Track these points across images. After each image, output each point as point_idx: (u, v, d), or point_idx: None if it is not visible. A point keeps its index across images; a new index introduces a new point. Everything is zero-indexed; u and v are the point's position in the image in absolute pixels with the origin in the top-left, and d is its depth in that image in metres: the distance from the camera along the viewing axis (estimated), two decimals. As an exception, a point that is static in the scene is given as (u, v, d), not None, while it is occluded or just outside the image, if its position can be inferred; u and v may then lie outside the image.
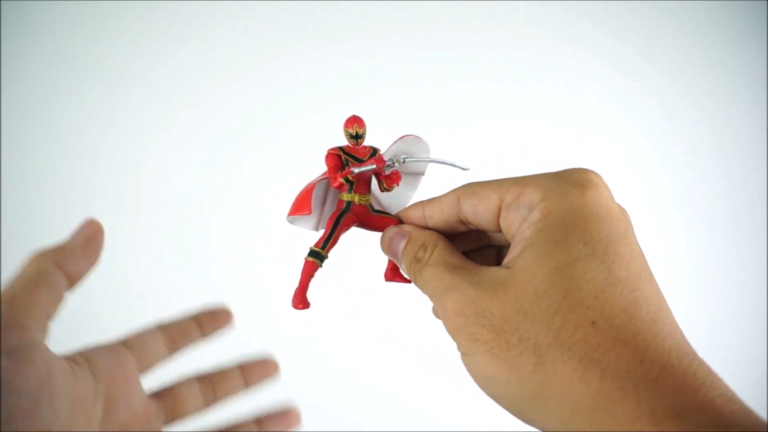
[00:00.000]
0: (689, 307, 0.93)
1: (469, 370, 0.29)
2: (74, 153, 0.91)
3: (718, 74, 0.96)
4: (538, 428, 0.27)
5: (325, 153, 0.36)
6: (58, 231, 0.87)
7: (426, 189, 0.41)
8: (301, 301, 0.34)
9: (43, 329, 0.30)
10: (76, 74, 0.91)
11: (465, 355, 0.29)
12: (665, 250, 0.93)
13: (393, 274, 0.38)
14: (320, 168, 0.37)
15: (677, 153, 0.96)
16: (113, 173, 0.91)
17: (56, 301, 0.32)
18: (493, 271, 0.29)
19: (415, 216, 0.35)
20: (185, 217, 0.92)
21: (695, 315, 0.93)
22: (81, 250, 0.35)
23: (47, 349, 0.30)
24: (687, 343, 0.26)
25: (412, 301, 0.41)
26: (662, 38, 0.95)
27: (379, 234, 0.37)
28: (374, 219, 0.37)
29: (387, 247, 0.35)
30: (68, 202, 0.90)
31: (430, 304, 0.37)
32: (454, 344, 0.30)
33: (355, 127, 0.35)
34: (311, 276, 0.35)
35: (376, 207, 0.39)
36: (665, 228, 0.94)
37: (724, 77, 0.96)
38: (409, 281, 0.38)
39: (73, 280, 0.34)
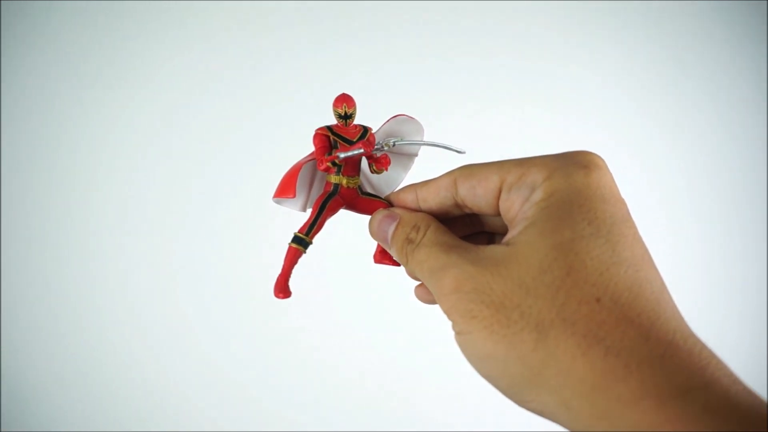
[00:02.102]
0: (689, 300, 0.92)
1: (464, 349, 0.28)
2: (75, 153, 0.89)
3: (720, 72, 0.95)
4: (533, 410, 0.26)
5: (313, 133, 0.35)
6: (59, 231, 0.87)
7: (418, 171, 0.39)
8: (282, 290, 0.33)
9: None
10: (78, 76, 0.89)
11: (460, 334, 0.27)
12: (667, 245, 0.92)
13: (382, 256, 0.37)
14: (308, 147, 0.36)
15: (676, 147, 0.95)
16: (111, 166, 0.90)
17: None
18: (492, 249, 0.28)
19: (408, 199, 0.34)
20: (172, 205, 0.90)
21: (698, 311, 0.93)
22: None
23: None
24: (689, 327, 0.25)
25: (401, 284, 0.40)
26: (665, 34, 0.94)
27: (368, 216, 0.35)
28: (363, 202, 0.35)
29: (376, 231, 0.34)
30: (69, 203, 0.89)
31: (414, 286, 0.37)
32: (448, 325, 0.29)
33: (344, 106, 0.34)
34: (294, 263, 0.34)
35: (367, 188, 0.37)
36: (665, 222, 0.92)
37: (725, 75, 0.95)
38: (398, 264, 0.37)
39: None
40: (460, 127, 0.87)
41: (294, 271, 0.34)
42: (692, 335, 0.24)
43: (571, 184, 0.27)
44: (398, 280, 0.39)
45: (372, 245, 0.38)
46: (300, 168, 0.34)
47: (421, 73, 0.90)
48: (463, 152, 0.36)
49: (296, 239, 0.34)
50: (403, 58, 0.89)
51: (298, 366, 0.90)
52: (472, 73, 0.91)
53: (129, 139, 0.89)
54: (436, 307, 0.39)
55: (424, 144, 0.36)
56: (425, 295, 0.36)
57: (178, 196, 0.90)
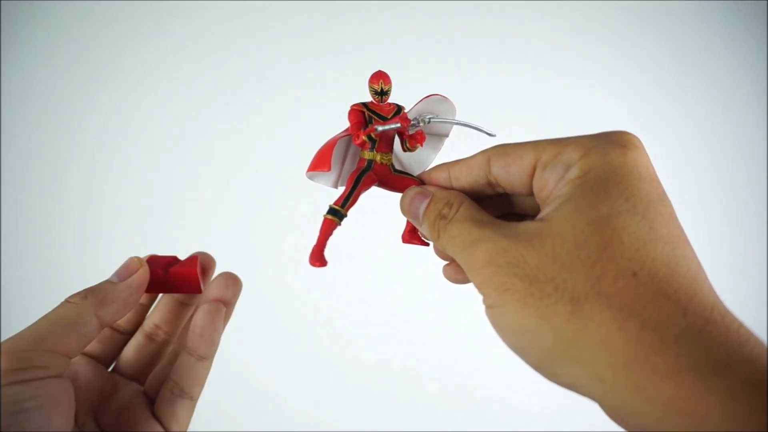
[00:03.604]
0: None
1: (495, 323, 0.28)
2: (78, 153, 0.90)
3: (721, 73, 0.95)
4: (564, 384, 0.26)
5: (348, 108, 0.35)
6: (59, 231, 0.87)
7: (445, 154, 0.40)
8: (318, 258, 0.34)
9: (64, 366, 0.31)
10: (82, 76, 0.90)
11: (492, 308, 0.28)
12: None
13: (411, 236, 0.37)
14: (342, 124, 0.36)
15: (679, 150, 0.95)
16: (122, 163, 0.91)
17: (83, 343, 0.33)
18: (526, 225, 0.28)
19: (440, 177, 0.34)
20: (201, 180, 0.91)
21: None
22: (123, 302, 0.35)
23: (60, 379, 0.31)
24: (725, 305, 0.25)
25: (428, 262, 0.40)
26: (669, 37, 0.95)
27: (399, 195, 0.36)
28: (395, 179, 0.36)
29: (407, 207, 0.34)
30: (70, 204, 0.90)
31: (442, 264, 0.37)
32: (479, 299, 0.29)
33: (380, 83, 0.34)
34: (329, 234, 0.34)
35: (398, 167, 0.38)
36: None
37: (727, 76, 0.95)
38: (426, 244, 0.37)
39: (104, 325, 0.34)
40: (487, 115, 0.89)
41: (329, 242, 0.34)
42: (729, 313, 0.24)
43: (608, 162, 0.27)
44: (426, 260, 0.40)
45: (400, 224, 0.38)
46: (335, 143, 0.34)
47: (449, 66, 0.90)
48: (494, 135, 0.36)
49: (331, 211, 0.34)
50: (428, 47, 0.90)
51: (318, 350, 0.90)
52: (500, 65, 0.92)
53: (151, 122, 0.90)
54: (463, 289, 0.40)
55: (458, 123, 0.36)
56: (454, 274, 0.36)
57: (199, 179, 0.90)
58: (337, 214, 0.34)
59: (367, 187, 0.35)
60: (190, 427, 0.40)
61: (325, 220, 0.34)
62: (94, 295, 0.34)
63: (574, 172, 0.28)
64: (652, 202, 0.27)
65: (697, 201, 0.94)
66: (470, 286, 0.35)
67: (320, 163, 0.34)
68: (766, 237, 0.94)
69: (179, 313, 0.41)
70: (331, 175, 0.36)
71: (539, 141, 0.30)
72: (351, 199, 0.34)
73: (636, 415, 0.23)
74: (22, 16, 0.88)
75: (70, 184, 0.90)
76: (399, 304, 0.91)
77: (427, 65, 0.90)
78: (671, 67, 0.94)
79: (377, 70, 0.34)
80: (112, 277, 0.36)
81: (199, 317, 0.37)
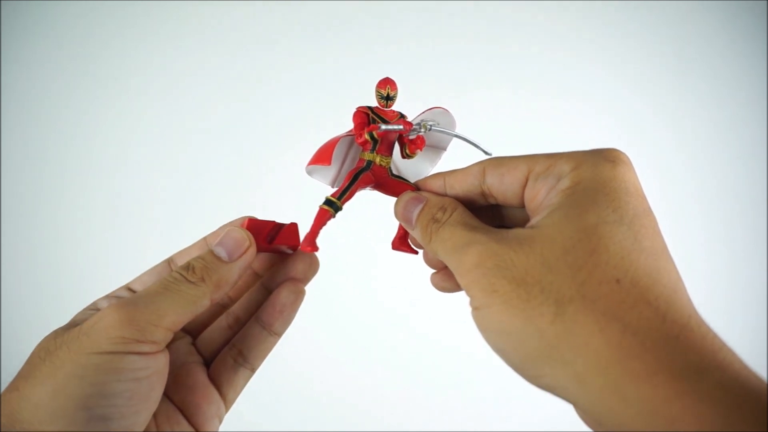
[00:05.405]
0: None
1: (480, 324, 0.28)
2: (77, 152, 0.91)
3: (722, 71, 0.97)
4: (545, 386, 0.27)
5: (354, 110, 0.36)
6: (59, 229, 0.86)
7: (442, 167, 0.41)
8: (310, 243, 0.34)
9: (169, 341, 0.32)
10: (79, 74, 0.91)
11: (479, 309, 0.28)
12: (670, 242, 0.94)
13: (401, 243, 0.38)
14: (345, 126, 0.37)
15: (680, 145, 0.97)
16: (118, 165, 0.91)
17: (189, 318, 0.33)
18: (516, 231, 0.29)
19: (435, 184, 0.35)
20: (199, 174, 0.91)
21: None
22: (233, 284, 0.34)
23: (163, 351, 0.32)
24: (701, 316, 0.26)
25: (416, 268, 0.40)
26: (672, 35, 0.98)
27: (393, 199, 0.36)
28: (392, 183, 0.37)
29: (401, 211, 0.35)
30: (69, 201, 0.90)
31: (430, 273, 0.37)
32: (465, 306, 0.29)
33: (387, 88, 0.35)
34: (323, 224, 0.35)
35: (395, 173, 0.39)
36: (668, 221, 0.94)
37: (727, 75, 0.97)
38: (415, 252, 0.38)
39: (213, 305, 0.35)
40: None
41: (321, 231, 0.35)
42: (705, 323, 0.25)
43: (598, 175, 0.29)
44: (414, 268, 0.40)
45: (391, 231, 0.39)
46: (338, 141, 0.35)
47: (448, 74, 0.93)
48: (490, 154, 0.38)
49: (327, 202, 0.35)
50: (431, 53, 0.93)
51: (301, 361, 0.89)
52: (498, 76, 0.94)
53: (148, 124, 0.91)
54: (449, 297, 0.40)
55: (457, 136, 0.37)
56: (441, 282, 0.37)
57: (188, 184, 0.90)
58: (332, 205, 0.35)
59: (364, 185, 0.36)
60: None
61: (321, 209, 0.35)
62: (210, 276, 0.33)
63: (564, 183, 0.29)
64: (638, 215, 0.28)
65: (695, 198, 0.96)
66: (457, 295, 0.36)
67: (321, 157, 0.35)
68: (766, 244, 0.96)
69: (251, 282, 0.40)
70: (330, 172, 0.37)
71: (533, 154, 0.32)
72: (347, 194, 0.35)
73: (613, 415, 0.24)
74: (22, 16, 0.89)
75: (78, 183, 0.90)
76: (385, 310, 0.90)
77: (428, 79, 0.93)
78: (675, 65, 0.96)
79: (385, 76, 0.36)
80: (219, 250, 0.34)
81: (283, 295, 0.37)
